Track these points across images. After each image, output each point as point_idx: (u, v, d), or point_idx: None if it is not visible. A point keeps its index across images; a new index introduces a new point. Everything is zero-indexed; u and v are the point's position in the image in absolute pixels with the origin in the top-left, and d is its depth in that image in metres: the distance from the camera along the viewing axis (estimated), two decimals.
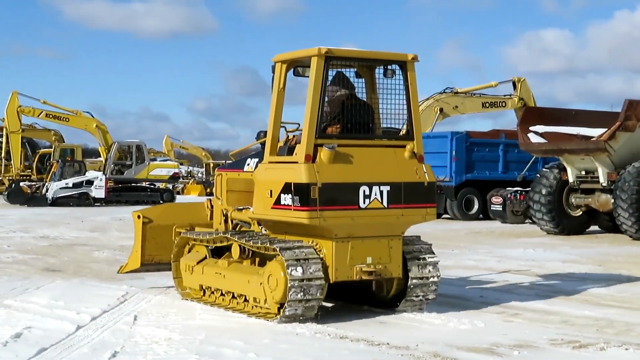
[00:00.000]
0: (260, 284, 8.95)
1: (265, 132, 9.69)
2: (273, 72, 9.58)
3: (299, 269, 8.51)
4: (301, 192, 8.61)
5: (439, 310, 9.34)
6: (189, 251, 10.61)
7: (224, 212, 10.39)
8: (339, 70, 9.68)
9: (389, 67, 9.45)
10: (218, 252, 10.10)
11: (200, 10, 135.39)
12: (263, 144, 9.74)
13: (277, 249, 8.65)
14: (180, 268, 10.51)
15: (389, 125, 9.65)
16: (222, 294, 9.77)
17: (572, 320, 8.94)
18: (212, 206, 10.91)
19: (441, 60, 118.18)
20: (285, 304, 8.52)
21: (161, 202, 36.46)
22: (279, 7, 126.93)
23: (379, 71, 9.61)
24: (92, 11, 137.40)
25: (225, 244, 9.76)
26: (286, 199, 8.80)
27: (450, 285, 11.57)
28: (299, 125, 9.39)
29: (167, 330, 8.18)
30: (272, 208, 9.03)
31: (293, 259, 8.54)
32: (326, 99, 9.08)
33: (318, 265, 8.66)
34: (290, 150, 9.17)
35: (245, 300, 9.38)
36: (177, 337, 7.86)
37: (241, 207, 10.03)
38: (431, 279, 9.29)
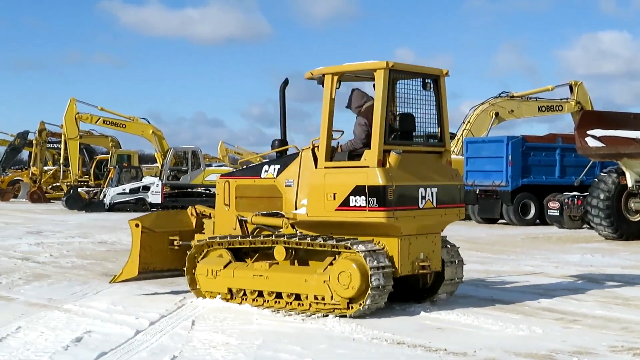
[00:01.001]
0: (324, 281, 9.43)
1: (280, 141, 10.87)
2: (320, 83, 10.16)
3: (375, 260, 9.16)
4: (377, 194, 9.28)
5: (496, 316, 9.30)
6: (203, 257, 10.61)
7: (238, 218, 10.64)
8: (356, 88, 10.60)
9: (427, 80, 10.29)
10: (238, 256, 10.43)
11: (255, 16, 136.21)
12: (278, 153, 10.90)
13: (350, 245, 9.26)
14: (198, 273, 10.47)
15: (424, 132, 10.56)
16: (260, 295, 9.99)
17: (632, 327, 8.81)
18: (197, 213, 11.48)
19: (497, 63, 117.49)
20: (369, 291, 9.08)
21: None
22: (333, 12, 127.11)
23: (416, 83, 10.35)
24: (147, 18, 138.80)
25: (268, 245, 10.03)
26: (358, 201, 9.41)
27: (507, 291, 11.52)
28: (343, 132, 10.46)
29: (224, 335, 8.24)
30: (337, 210, 9.57)
31: (369, 250, 9.22)
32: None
33: (386, 258, 9.38)
34: (351, 156, 9.80)
35: (297, 298, 9.71)
36: (235, 342, 7.91)
37: (266, 212, 10.41)
38: (459, 262, 10.53)
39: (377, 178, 9.30)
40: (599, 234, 21.44)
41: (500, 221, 27.58)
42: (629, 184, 20.93)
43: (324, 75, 10.01)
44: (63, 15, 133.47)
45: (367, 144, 9.67)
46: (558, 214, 25.36)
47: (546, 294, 11.24)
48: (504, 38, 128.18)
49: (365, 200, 9.32)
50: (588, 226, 22.91)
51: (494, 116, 32.22)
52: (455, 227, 24.57)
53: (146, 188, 37.01)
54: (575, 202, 24.62)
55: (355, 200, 9.42)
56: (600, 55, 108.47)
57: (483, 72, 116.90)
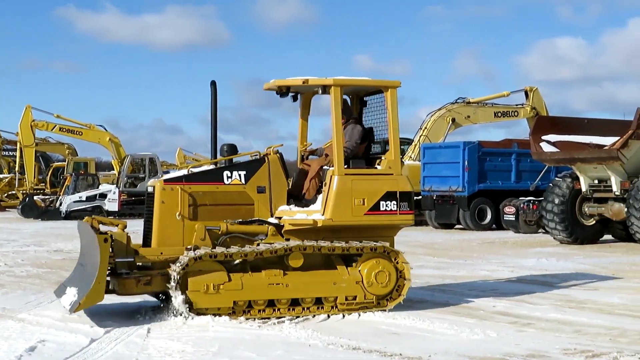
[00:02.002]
0: (357, 282, 10.06)
1: (230, 146, 10.79)
2: (279, 93, 10.76)
3: (402, 257, 10.36)
4: (408, 199, 10.53)
5: (451, 321, 9.36)
6: (187, 272, 9.66)
7: (206, 227, 10.11)
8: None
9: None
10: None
11: (214, 21, 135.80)
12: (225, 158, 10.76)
13: (388, 247, 10.33)
14: (191, 290, 9.50)
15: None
16: (270, 305, 9.82)
17: (585, 330, 8.93)
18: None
19: (455, 69, 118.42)
20: (405, 283, 10.20)
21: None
22: (293, 18, 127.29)
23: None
24: (104, 24, 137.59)
25: (280, 253, 9.99)
26: (389, 205, 10.40)
27: (463, 296, 11.60)
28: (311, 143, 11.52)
29: (180, 342, 8.19)
30: (366, 214, 10.29)
31: (395, 250, 10.38)
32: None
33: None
34: (369, 162, 10.88)
35: (317, 302, 10.00)
36: (191, 349, 7.87)
37: (243, 220, 10.28)
38: None
39: (407, 185, 10.58)
40: (554, 238, 21.68)
41: (457, 226, 27.79)
42: (583, 189, 21.18)
43: (331, 86, 10.40)
44: (19, 22, 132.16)
45: (360, 145, 10.96)
46: (514, 218, 25.64)
47: (501, 298, 11.34)
48: (462, 44, 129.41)
49: (397, 204, 10.38)
50: (543, 230, 23.20)
51: (450, 122, 32.45)
52: (412, 232, 24.80)
53: (103, 196, 36.91)
54: (531, 206, 24.88)
55: (386, 205, 10.36)
56: (556, 61, 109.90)
57: (441, 78, 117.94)
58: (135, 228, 29.10)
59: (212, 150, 10.91)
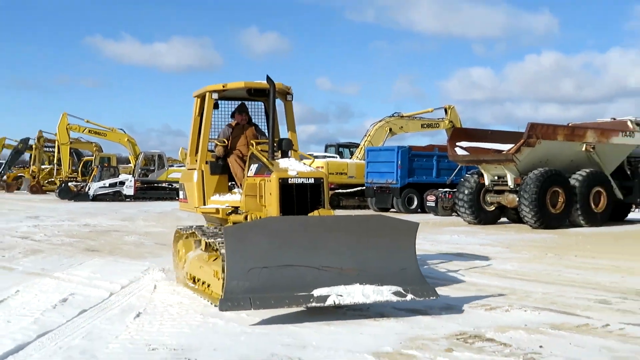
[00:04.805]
0: None
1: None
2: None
3: None
4: None
5: None
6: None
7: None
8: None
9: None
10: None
11: (209, 50, 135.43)
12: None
13: None
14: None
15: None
16: None
17: (486, 289, 9.00)
18: None
19: (394, 90, 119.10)
20: None
21: (177, 198, 36.38)
22: (271, 48, 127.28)
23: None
24: (123, 50, 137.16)
25: None
26: None
27: None
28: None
29: (179, 296, 8.16)
30: None
31: None
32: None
33: None
34: None
35: None
36: (187, 301, 7.84)
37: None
38: None
39: None
40: (463, 220, 21.83)
41: (391, 210, 27.88)
42: (486, 183, 21.37)
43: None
44: (57, 46, 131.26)
45: None
46: (434, 205, 25.81)
47: (422, 265, 11.37)
48: (399, 71, 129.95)
49: None
50: (456, 214, 23.33)
51: (388, 131, 32.50)
52: (353, 212, 24.81)
53: (122, 183, 36.78)
54: (447, 196, 25.08)
55: None
56: (470, 85, 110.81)
57: (383, 96, 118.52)
58: (146, 208, 28.94)
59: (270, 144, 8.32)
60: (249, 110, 9.33)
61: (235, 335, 6.23)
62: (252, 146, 8.41)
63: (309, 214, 7.40)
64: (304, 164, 8.00)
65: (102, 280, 9.25)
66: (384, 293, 6.61)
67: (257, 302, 6.26)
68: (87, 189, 36.87)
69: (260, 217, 7.55)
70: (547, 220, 19.70)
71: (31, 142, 48.92)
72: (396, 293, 6.67)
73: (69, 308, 7.42)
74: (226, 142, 8.99)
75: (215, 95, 8.76)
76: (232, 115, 9.28)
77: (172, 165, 42.64)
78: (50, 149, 48.46)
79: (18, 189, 48.42)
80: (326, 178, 7.82)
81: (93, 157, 46.98)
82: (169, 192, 37.76)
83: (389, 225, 6.97)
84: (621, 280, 9.93)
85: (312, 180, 7.58)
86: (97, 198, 35.46)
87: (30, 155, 49.76)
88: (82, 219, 21.89)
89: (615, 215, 22.21)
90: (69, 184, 39.34)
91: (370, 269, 6.68)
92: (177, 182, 38.97)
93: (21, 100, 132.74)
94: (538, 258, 12.66)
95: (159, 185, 38.66)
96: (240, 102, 9.25)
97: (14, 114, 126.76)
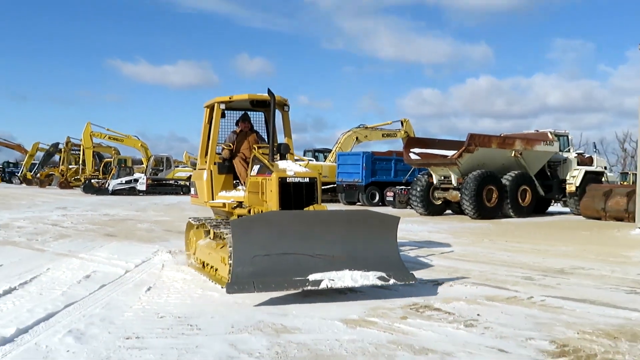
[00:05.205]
0: None
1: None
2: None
3: None
4: None
5: None
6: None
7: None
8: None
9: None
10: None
11: (209, 71, 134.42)
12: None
13: None
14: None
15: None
16: None
17: (434, 268, 9.03)
18: None
19: (360, 106, 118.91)
20: None
21: (181, 193, 36.23)
22: (259, 70, 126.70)
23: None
24: (138, 70, 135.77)
25: None
26: None
27: None
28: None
29: (183, 273, 8.07)
30: None
31: None
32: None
33: None
34: None
35: None
36: (189, 278, 7.77)
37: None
38: None
39: None
40: (416, 211, 21.92)
41: (357, 203, 27.92)
42: (434, 182, 21.49)
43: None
44: (83, 67, 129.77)
45: None
46: (392, 199, 25.89)
47: None
48: (365, 90, 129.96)
49: None
50: (410, 207, 23.39)
51: (355, 139, 32.57)
52: (329, 206, 24.76)
53: (136, 180, 36.56)
54: (403, 192, 25.16)
55: None
56: (421, 102, 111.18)
57: (351, 111, 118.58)
58: (156, 201, 28.68)
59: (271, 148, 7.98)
60: (251, 119, 9.17)
61: (229, 306, 6.19)
62: (255, 150, 8.28)
63: (305, 209, 7.19)
64: (300, 165, 7.84)
65: (119, 260, 9.14)
66: (370, 278, 6.36)
67: (259, 286, 6.00)
68: (107, 185, 36.50)
69: (262, 211, 7.33)
70: (483, 212, 19.85)
71: (60, 146, 48.49)
72: (380, 278, 6.42)
73: (91, 283, 7.33)
74: (232, 146, 8.78)
75: (223, 106, 8.63)
76: (237, 123, 9.05)
77: (177, 166, 42.38)
78: (76, 152, 47.95)
79: (49, 184, 47.73)
80: (319, 178, 7.57)
81: (112, 159, 46.51)
82: (175, 188, 37.56)
83: (374, 218, 6.74)
84: (542, 260, 10.02)
85: (307, 180, 7.39)
86: (115, 192, 35.09)
87: (60, 157, 49.21)
88: (103, 209, 21.63)
89: (538, 208, 22.49)
90: (92, 181, 38.92)
91: (358, 257, 6.46)
92: (182, 179, 38.79)
93: (53, 111, 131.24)
94: (476, 243, 12.71)
95: (167, 182, 38.39)
96: (243, 112, 9.06)
97: (47, 123, 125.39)
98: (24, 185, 50.38)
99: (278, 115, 8.56)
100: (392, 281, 6.47)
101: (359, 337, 5.15)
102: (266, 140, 8.82)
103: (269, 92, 7.82)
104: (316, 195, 7.41)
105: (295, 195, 7.30)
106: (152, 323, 5.56)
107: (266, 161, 7.74)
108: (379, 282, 6.42)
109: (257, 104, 8.89)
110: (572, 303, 6.62)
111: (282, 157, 7.96)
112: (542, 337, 5.24)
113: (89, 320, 5.61)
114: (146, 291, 6.91)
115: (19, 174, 54.68)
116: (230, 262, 6.26)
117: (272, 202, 7.28)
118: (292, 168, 7.54)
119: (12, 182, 55.67)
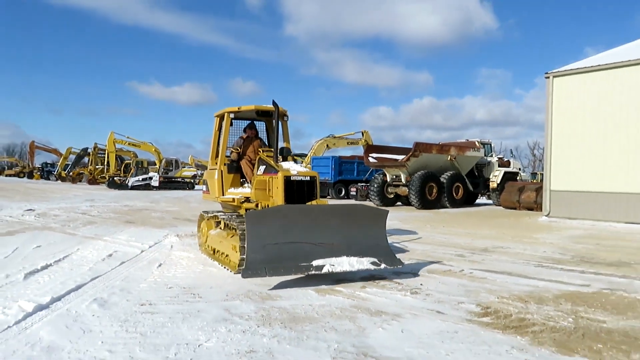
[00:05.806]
0: None
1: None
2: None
3: None
4: None
5: None
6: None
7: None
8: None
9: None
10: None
11: (209, 91, 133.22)
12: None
13: None
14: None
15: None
16: None
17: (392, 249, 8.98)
18: None
19: (330, 119, 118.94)
20: None
21: (187, 189, 35.84)
22: (249, 91, 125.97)
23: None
24: (152, 90, 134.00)
25: None
26: None
27: None
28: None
29: (188, 253, 7.97)
30: None
31: None
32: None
33: None
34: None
35: None
36: (193, 256, 7.68)
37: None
38: None
39: None
40: (373, 204, 21.88)
41: (327, 197, 27.91)
42: (388, 179, 21.56)
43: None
44: (108, 87, 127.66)
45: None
46: (355, 193, 25.88)
47: None
48: (333, 108, 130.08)
49: None
50: (369, 200, 23.40)
51: (326, 146, 32.47)
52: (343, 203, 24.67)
53: (151, 178, 35.92)
54: (363, 188, 25.17)
55: None
56: (378, 117, 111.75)
57: (323, 123, 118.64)
58: (167, 195, 28.19)
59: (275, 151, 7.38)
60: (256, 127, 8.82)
61: (224, 278, 6.14)
62: (261, 153, 7.81)
63: (307, 203, 6.74)
64: (301, 165, 7.43)
65: (136, 242, 9.00)
66: (364, 263, 5.97)
67: (270, 271, 5.58)
68: (127, 182, 35.88)
69: (268, 206, 6.89)
70: (426, 204, 20.00)
71: (89, 150, 47.54)
72: (373, 263, 6.04)
73: (113, 260, 7.21)
74: (239, 149, 8.30)
75: (232, 115, 8.24)
76: (244, 130, 8.50)
77: (184, 167, 42.04)
78: (102, 155, 47.05)
79: (80, 181, 46.89)
80: (318, 177, 7.06)
81: (131, 161, 45.79)
82: (182, 185, 37.13)
83: (367, 211, 6.34)
84: (471, 241, 10.11)
85: (308, 178, 6.96)
86: (133, 188, 34.44)
87: (88, 159, 48.29)
88: (123, 201, 21.24)
89: (469, 200, 22.74)
90: (115, 178, 38.22)
91: (354, 245, 6.09)
92: (187, 177, 38.43)
93: (83, 122, 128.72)
94: (420, 228, 12.76)
95: (176, 179, 37.93)
96: (249, 121, 8.58)
97: (78, 131, 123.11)
98: (59, 181, 49.47)
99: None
100: (383, 266, 6.08)
101: (328, 303, 5.16)
102: (267, 145, 8.57)
103: (274, 103, 7.46)
104: (316, 192, 6.99)
105: (298, 191, 6.90)
106: (162, 292, 5.49)
107: (272, 162, 7.43)
108: (372, 267, 6.03)
109: (262, 114, 8.52)
110: (494, 274, 6.71)
111: (284, 159, 7.74)
112: (471, 302, 5.31)
113: (111, 290, 5.52)
114: (158, 267, 6.82)
115: (55, 173, 53.70)
116: (245, 250, 5.85)
117: (277, 197, 6.85)
118: (295, 168, 7.24)
119: (49, 179, 54.73)
